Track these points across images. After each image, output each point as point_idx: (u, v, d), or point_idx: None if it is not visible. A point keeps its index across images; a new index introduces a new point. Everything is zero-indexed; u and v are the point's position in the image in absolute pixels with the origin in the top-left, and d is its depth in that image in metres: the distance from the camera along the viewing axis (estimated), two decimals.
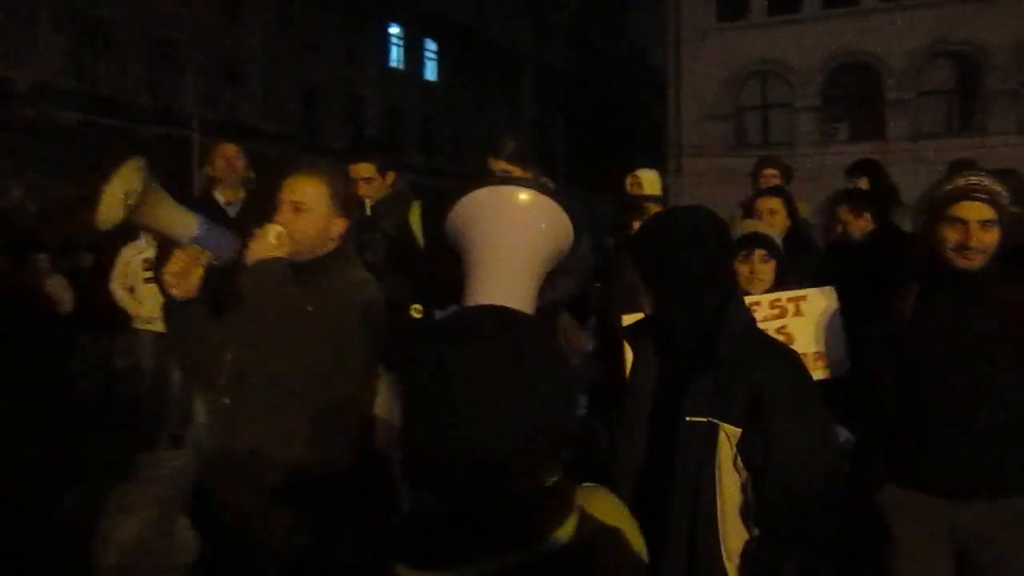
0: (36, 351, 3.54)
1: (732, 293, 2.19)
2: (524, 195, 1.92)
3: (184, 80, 25.91)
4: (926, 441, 2.63)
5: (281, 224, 2.53)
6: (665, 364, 2.20)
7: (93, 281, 8.06)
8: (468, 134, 35.30)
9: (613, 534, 1.17)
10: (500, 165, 4.13)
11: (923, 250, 2.79)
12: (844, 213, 5.04)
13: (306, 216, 2.57)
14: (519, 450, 1.06)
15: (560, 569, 1.08)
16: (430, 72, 36.47)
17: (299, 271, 2.54)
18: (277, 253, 2.48)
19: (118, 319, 7.41)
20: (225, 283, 2.63)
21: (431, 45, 36.03)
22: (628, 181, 5.97)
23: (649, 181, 5.92)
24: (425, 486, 1.09)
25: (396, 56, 34.84)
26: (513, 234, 1.89)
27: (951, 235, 2.63)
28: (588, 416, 4.88)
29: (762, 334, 2.27)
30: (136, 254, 6.76)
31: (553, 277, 4.24)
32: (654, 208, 4.71)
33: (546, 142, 35.64)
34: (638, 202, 5.30)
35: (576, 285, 4.36)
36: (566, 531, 1.11)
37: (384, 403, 2.68)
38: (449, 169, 33.16)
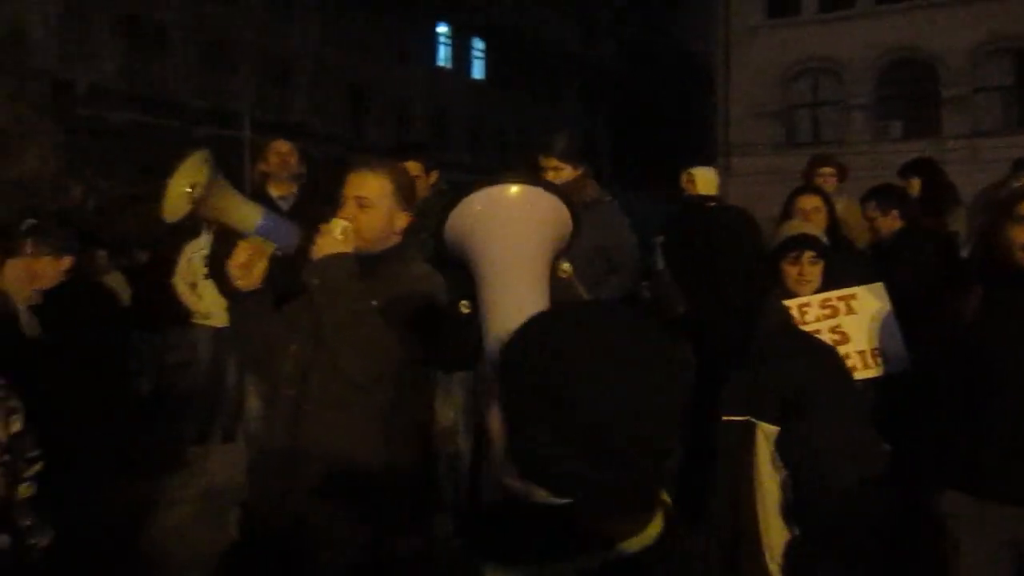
0: (99, 346, 3.64)
1: (767, 292, 2.17)
2: (514, 189, 1.89)
3: (235, 80, 26.33)
4: (988, 445, 2.57)
5: (346, 219, 2.55)
6: (701, 363, 2.18)
7: (147, 278, 8.22)
8: (515, 133, 35.32)
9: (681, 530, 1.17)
10: (551, 162, 4.14)
11: (983, 251, 2.72)
12: (871, 210, 4.92)
13: (370, 211, 2.61)
14: (640, 442, 1.03)
15: (652, 566, 1.07)
16: (477, 71, 36.57)
17: (364, 265, 2.55)
18: (343, 248, 2.50)
19: (171, 315, 7.54)
20: (288, 274, 2.66)
21: (478, 44, 36.11)
22: (683, 179, 5.92)
23: (704, 179, 5.87)
24: (540, 478, 1.07)
25: (444, 55, 34.99)
26: (511, 233, 1.85)
27: (1020, 235, 2.55)
28: None
29: (799, 332, 2.25)
30: (198, 251, 6.90)
31: (605, 276, 4.26)
32: None
33: (591, 141, 35.52)
34: (699, 201, 5.27)
35: (626, 284, 4.35)
36: (657, 527, 1.10)
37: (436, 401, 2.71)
38: (496, 168, 33.20)
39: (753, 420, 2.00)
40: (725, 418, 2.03)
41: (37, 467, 2.81)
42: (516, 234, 1.80)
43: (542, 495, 1.08)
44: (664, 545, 1.09)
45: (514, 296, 1.71)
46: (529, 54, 36.27)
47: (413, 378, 2.59)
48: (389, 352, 2.47)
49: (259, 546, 2.63)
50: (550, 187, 1.98)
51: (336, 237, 2.50)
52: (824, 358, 2.10)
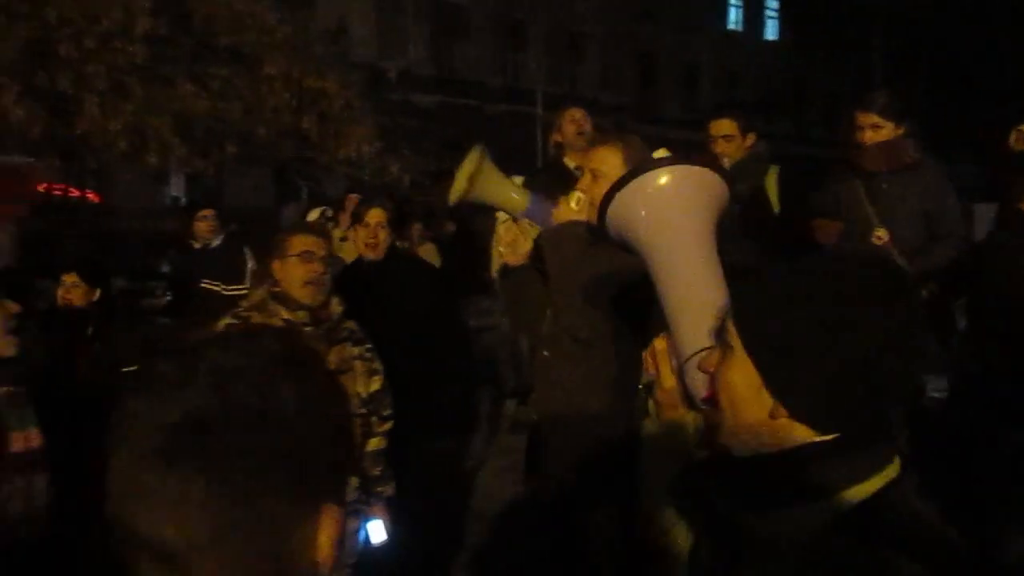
0: (432, 313, 3.95)
1: None
2: (664, 178, 1.83)
3: (528, 58, 27.31)
4: None
5: (582, 191, 2.68)
6: None
7: (455, 247, 8.79)
8: (811, 96, 33.36)
9: None
10: (869, 119, 3.86)
11: None
12: None
13: (603, 182, 2.66)
14: (903, 377, 1.11)
15: (893, 506, 1.09)
16: (771, 32, 34.92)
17: (594, 233, 2.63)
18: (578, 217, 2.64)
19: (476, 283, 8.02)
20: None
21: (772, 3, 34.44)
22: (1012, 137, 5.25)
23: None
24: (810, 412, 1.11)
25: (734, 18, 33.80)
26: (678, 212, 1.81)
27: None
28: None
29: None
30: (503, 220, 7.26)
31: (927, 244, 3.91)
32: None
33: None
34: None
35: (950, 253, 3.96)
36: (895, 468, 1.12)
37: None
38: (790, 133, 31.65)
39: None
40: None
41: (388, 425, 3.12)
42: (684, 213, 1.80)
43: (796, 436, 1.11)
44: (902, 486, 1.11)
45: (691, 272, 1.75)
46: (828, 10, 33.94)
47: (630, 337, 2.62)
48: (609, 313, 2.59)
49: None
50: (700, 161, 1.92)
51: (571, 207, 2.66)
52: None
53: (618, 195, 1.80)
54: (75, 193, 18.93)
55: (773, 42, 34.81)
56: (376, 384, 3.05)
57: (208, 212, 6.29)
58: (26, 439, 2.42)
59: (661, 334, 1.65)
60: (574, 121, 5.05)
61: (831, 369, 1.08)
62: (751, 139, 4.15)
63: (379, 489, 3.08)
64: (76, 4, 7.07)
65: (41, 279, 5.14)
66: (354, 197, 6.41)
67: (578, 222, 2.68)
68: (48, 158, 8.49)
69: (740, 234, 3.96)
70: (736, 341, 1.16)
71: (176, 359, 0.74)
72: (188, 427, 0.69)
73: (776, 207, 4.08)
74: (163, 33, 7.59)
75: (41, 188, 16.18)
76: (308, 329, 2.85)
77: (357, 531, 2.99)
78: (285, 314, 2.83)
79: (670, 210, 1.78)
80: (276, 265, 2.91)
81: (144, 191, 18.82)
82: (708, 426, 1.26)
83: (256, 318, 2.81)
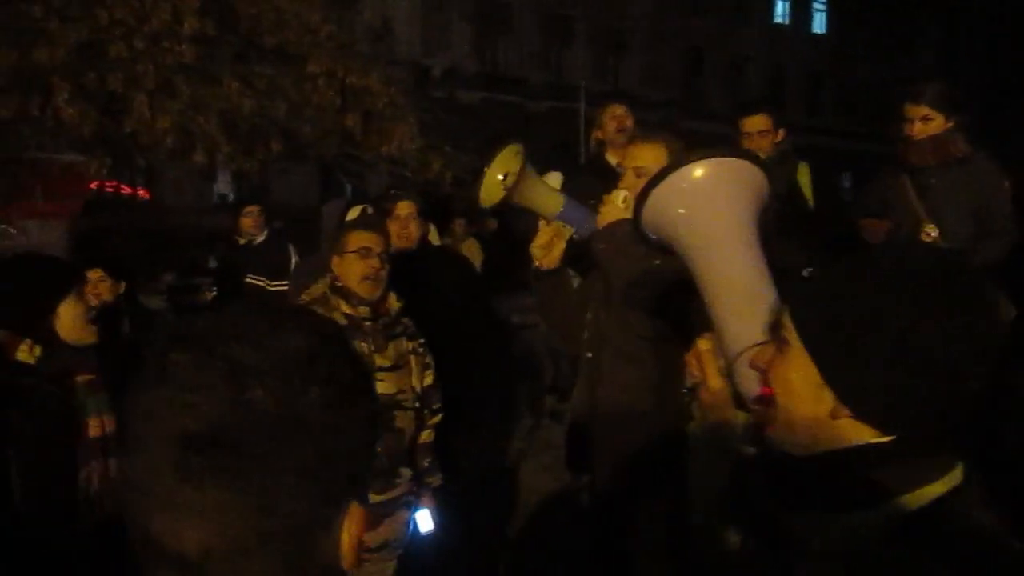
0: (466, 309, 3.96)
1: None
2: (700, 171, 1.77)
3: (572, 54, 27.25)
4: None
5: (626, 189, 2.65)
6: None
7: (496, 244, 8.79)
8: (861, 90, 32.76)
9: None
10: (919, 111, 3.76)
11: None
12: None
13: (647, 180, 2.63)
14: (974, 378, 1.05)
15: (955, 512, 1.05)
16: (818, 24, 34.36)
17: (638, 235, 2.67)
18: (625, 216, 2.60)
19: (518, 279, 8.01)
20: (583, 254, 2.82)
21: None
22: None
23: None
24: (873, 412, 1.07)
25: (781, 11, 33.33)
26: (718, 208, 1.74)
27: None
28: None
29: None
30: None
31: (976, 241, 3.81)
32: None
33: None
34: None
35: (999, 252, 3.86)
36: (959, 473, 1.08)
37: None
38: (838, 128, 31.15)
39: None
40: None
41: (438, 418, 3.16)
42: (724, 207, 1.74)
43: (861, 436, 1.07)
44: (965, 495, 1.06)
45: (735, 267, 1.70)
46: (878, 2, 33.31)
47: (694, 330, 2.60)
48: (672, 309, 2.54)
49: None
50: (736, 153, 1.87)
51: (618, 206, 2.61)
52: None
53: (653, 193, 1.76)
54: (126, 191, 19.36)
55: (821, 35, 34.24)
56: (429, 378, 3.09)
57: (253, 208, 6.37)
58: (102, 424, 2.48)
59: (704, 335, 1.60)
60: (615, 117, 4.99)
61: (900, 369, 1.03)
62: (781, 135, 4.09)
63: (428, 480, 3.13)
64: (126, 6, 7.24)
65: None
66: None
67: (628, 220, 2.68)
68: (99, 156, 8.67)
69: (779, 232, 3.91)
70: (793, 337, 1.12)
71: (192, 352, 0.71)
72: (205, 438, 0.67)
73: (811, 202, 4.02)
74: (210, 33, 7.72)
75: (93, 186, 16.60)
76: (367, 324, 2.89)
77: (406, 522, 3.04)
78: (346, 308, 2.87)
79: (709, 205, 1.73)
80: (335, 261, 2.95)
81: (193, 188, 19.18)
82: (759, 423, 1.22)
83: (317, 312, 2.86)
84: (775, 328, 1.17)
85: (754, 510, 1.24)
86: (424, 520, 3.11)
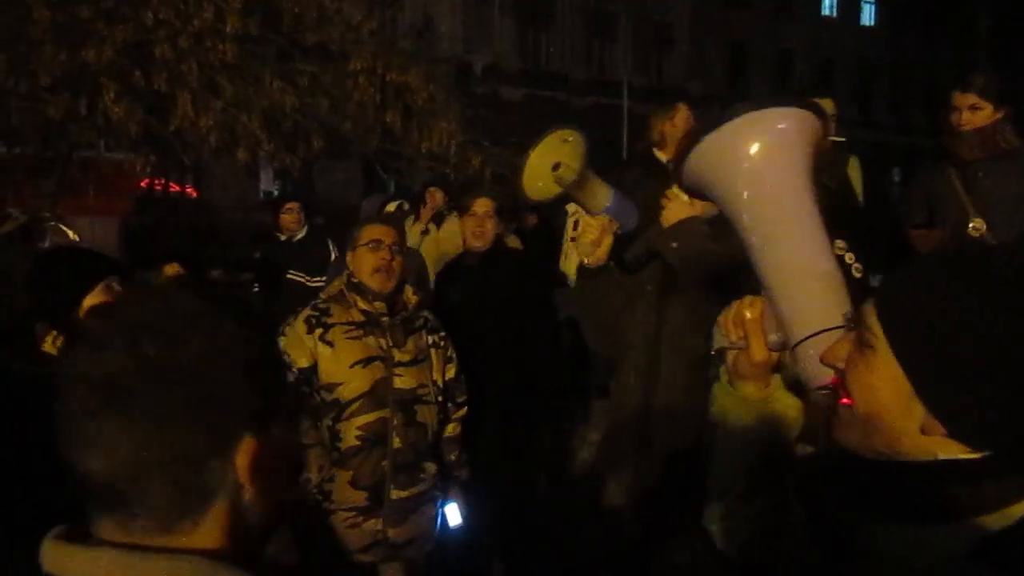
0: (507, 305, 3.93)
1: None
2: (746, 118, 1.51)
3: (615, 49, 27.10)
4: None
5: None
6: None
7: (535, 240, 8.77)
8: (911, 83, 32.09)
9: None
10: (967, 100, 3.65)
11: None
12: None
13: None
14: None
15: None
16: (867, 16, 33.71)
17: (711, 226, 2.62)
18: (691, 212, 2.60)
19: (554, 275, 7.97)
20: (624, 251, 2.74)
21: None
22: None
23: None
24: (980, 440, 0.99)
25: (829, 2, 32.76)
26: (767, 164, 1.49)
27: None
28: None
29: None
30: (573, 213, 7.20)
31: None
32: None
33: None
34: None
35: None
36: None
37: None
38: (889, 123, 30.57)
39: None
40: None
41: (463, 411, 3.15)
42: (778, 159, 1.51)
43: (948, 450, 1.00)
44: None
45: (795, 233, 1.49)
46: None
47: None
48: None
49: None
50: (788, 100, 1.61)
51: (684, 201, 2.57)
52: None
53: (695, 149, 1.51)
54: (175, 189, 19.72)
55: (870, 27, 33.59)
56: (451, 372, 3.07)
57: (293, 205, 6.43)
58: None
59: (748, 300, 1.46)
60: (687, 119, 4.77)
61: (1002, 386, 0.94)
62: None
63: (455, 474, 3.12)
64: (171, 6, 7.36)
65: (144, 272, 5.38)
66: (435, 190, 6.44)
67: (696, 217, 2.62)
68: (146, 155, 8.82)
69: (829, 225, 3.82)
70: (881, 342, 1.02)
71: (102, 319, 0.90)
72: (103, 382, 0.83)
73: (860, 196, 3.93)
74: (252, 32, 7.81)
75: (143, 184, 16.96)
76: (385, 320, 2.88)
77: (433, 517, 3.03)
78: (363, 304, 2.86)
79: (762, 158, 1.49)
80: (349, 256, 2.98)
81: (238, 186, 19.48)
82: (829, 421, 1.12)
83: (335, 309, 2.87)
84: (858, 327, 1.07)
85: (818, 513, 1.16)
86: (453, 514, 3.10)
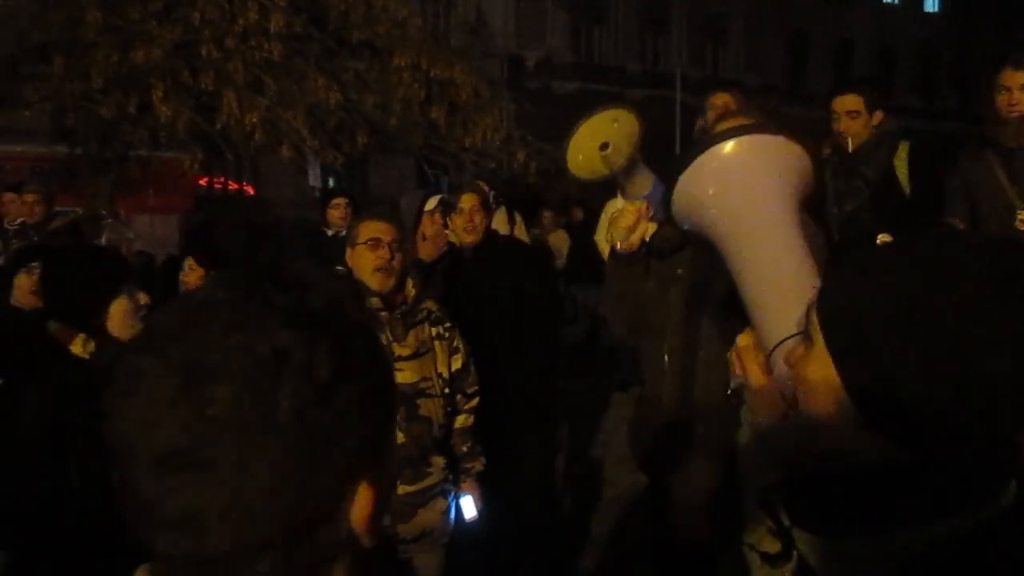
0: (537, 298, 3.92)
1: None
2: (729, 147, 1.60)
3: (670, 41, 26.79)
4: None
5: None
6: None
7: (582, 234, 8.74)
8: (978, 70, 31.07)
9: None
10: (1018, 79, 3.46)
11: None
12: None
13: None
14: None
15: (1008, 537, 0.90)
16: (930, 3, 32.72)
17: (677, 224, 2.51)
18: None
19: (602, 269, 7.91)
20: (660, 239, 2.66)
21: None
22: None
23: None
24: (897, 430, 0.93)
25: None
26: (754, 189, 1.59)
27: None
28: None
29: None
30: (613, 209, 7.13)
31: None
32: None
33: None
34: None
35: None
36: (1011, 493, 0.93)
37: None
38: (953, 111, 29.64)
39: None
40: None
41: (474, 402, 3.10)
42: (756, 188, 1.59)
43: (881, 452, 0.93)
44: (1013, 525, 0.90)
45: (771, 250, 1.55)
46: None
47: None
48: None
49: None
50: (782, 131, 1.68)
51: None
52: None
53: (681, 177, 1.62)
54: (233, 186, 20.08)
55: (933, 14, 32.58)
56: (458, 363, 3.03)
57: (340, 200, 6.49)
58: None
59: (745, 330, 1.46)
60: (713, 108, 4.65)
61: (929, 377, 0.88)
62: (878, 117, 3.82)
63: (468, 465, 3.08)
64: (217, 7, 7.50)
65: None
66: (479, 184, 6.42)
67: None
68: (195, 153, 9.02)
69: (871, 220, 3.68)
70: (818, 334, 0.98)
71: (149, 355, 0.69)
72: (173, 457, 0.66)
73: (906, 187, 3.76)
74: (298, 30, 7.92)
75: (202, 182, 17.31)
76: (383, 314, 2.85)
77: (446, 510, 2.99)
78: None
79: (739, 185, 1.58)
80: (348, 253, 2.93)
81: (292, 183, 19.75)
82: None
83: None
84: (805, 323, 1.04)
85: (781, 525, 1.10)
86: (468, 507, 3.06)
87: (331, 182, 17.47)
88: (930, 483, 0.91)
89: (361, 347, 0.74)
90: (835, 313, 0.97)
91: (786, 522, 1.05)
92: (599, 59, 25.91)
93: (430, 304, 3.04)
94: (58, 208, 6.27)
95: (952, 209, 3.69)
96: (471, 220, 3.76)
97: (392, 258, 2.85)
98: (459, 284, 3.75)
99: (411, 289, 2.96)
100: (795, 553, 1.08)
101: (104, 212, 8.66)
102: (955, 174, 3.74)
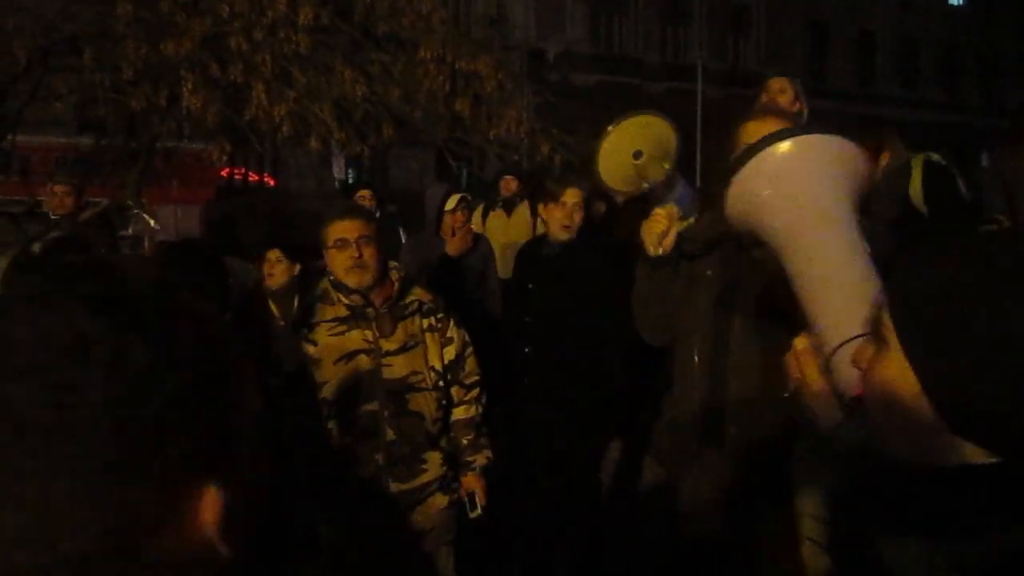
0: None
1: None
2: (784, 146, 1.60)
3: (690, 33, 26.65)
4: None
5: None
6: None
7: (604, 229, 8.71)
8: (1002, 62, 30.71)
9: None
10: None
11: None
12: None
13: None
14: None
15: None
16: None
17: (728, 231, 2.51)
18: None
19: None
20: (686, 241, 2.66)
21: None
22: None
23: None
24: (984, 435, 0.91)
25: None
26: (811, 188, 1.60)
27: None
28: None
29: None
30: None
31: None
32: None
33: None
34: None
35: None
36: None
37: None
38: (977, 104, 29.37)
39: None
40: None
41: (475, 392, 2.98)
42: (811, 188, 1.60)
43: (972, 455, 0.91)
44: None
45: (831, 251, 1.56)
46: None
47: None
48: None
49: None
50: (829, 129, 1.68)
51: None
52: None
53: (735, 179, 1.63)
54: (254, 178, 20.20)
55: (958, 7, 32.22)
56: (451, 353, 2.94)
57: (365, 192, 6.51)
58: None
59: (802, 334, 1.47)
60: (768, 91, 4.26)
61: (1014, 380, 0.86)
62: (885, 158, 3.74)
63: (469, 459, 2.96)
64: None
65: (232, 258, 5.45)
66: (510, 179, 6.42)
67: None
68: (222, 144, 9.09)
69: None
70: (893, 336, 0.95)
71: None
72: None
73: (924, 210, 3.68)
74: (325, 22, 7.98)
75: (223, 174, 17.44)
76: (370, 311, 2.82)
77: (446, 507, 2.91)
78: (345, 300, 2.82)
79: (794, 185, 1.59)
80: (324, 255, 2.90)
81: (315, 175, 19.85)
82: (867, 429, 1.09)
83: (321, 307, 2.86)
84: (875, 323, 1.01)
85: (851, 532, 1.12)
86: (471, 502, 2.94)
87: (351, 174, 17.59)
88: (1016, 490, 0.89)
89: (190, 335, 0.64)
90: (912, 313, 0.94)
91: (862, 524, 1.05)
92: (619, 51, 25.82)
93: (421, 294, 2.95)
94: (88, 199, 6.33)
95: (993, 205, 3.66)
96: (571, 217, 3.50)
97: (361, 255, 2.77)
98: (541, 280, 3.62)
99: (396, 279, 2.88)
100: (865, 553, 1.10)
101: (131, 203, 8.77)
102: (993, 171, 3.70)
